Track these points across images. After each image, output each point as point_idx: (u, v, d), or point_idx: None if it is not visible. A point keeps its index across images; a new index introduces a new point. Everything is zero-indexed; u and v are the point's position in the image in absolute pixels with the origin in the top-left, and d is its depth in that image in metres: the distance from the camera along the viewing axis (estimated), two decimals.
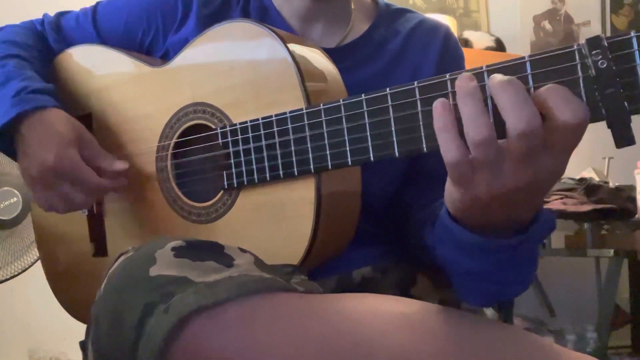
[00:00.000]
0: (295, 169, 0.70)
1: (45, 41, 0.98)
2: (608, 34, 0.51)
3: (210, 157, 0.80)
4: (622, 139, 0.50)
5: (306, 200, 0.71)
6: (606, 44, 0.50)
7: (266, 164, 0.72)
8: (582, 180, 2.36)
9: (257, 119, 0.73)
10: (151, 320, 0.52)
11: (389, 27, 0.91)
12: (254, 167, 0.74)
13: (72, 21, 0.98)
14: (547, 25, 3.14)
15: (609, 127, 0.50)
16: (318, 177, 0.70)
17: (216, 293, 0.52)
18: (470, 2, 3.05)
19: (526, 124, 0.49)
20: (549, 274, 2.59)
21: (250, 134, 0.74)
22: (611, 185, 2.35)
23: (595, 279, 2.71)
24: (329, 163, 0.67)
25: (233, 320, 0.51)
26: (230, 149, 0.76)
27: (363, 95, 0.64)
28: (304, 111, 0.69)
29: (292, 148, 0.70)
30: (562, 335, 2.21)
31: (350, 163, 0.66)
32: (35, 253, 1.66)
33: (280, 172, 0.71)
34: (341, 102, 0.65)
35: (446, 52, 0.90)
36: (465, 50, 1.01)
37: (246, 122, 0.74)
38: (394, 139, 0.61)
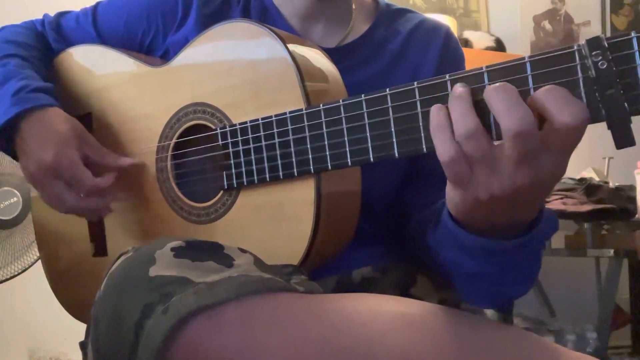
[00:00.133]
0: (295, 170, 0.70)
1: (46, 41, 0.98)
2: (608, 34, 0.51)
3: (210, 157, 0.80)
4: (623, 139, 0.50)
5: (306, 201, 0.71)
6: (606, 45, 0.50)
7: (266, 164, 0.72)
8: (582, 180, 2.36)
9: (257, 119, 0.73)
10: (150, 321, 0.52)
11: (389, 27, 0.91)
12: (254, 167, 0.73)
13: (72, 21, 0.98)
14: (547, 25, 3.14)
15: (609, 128, 0.50)
16: (318, 177, 0.70)
17: (216, 293, 0.52)
18: (470, 2, 3.05)
19: (519, 125, 0.50)
20: (549, 274, 2.59)
21: (250, 135, 0.74)
22: (611, 185, 2.35)
23: (595, 279, 2.71)
24: (329, 164, 0.67)
25: (233, 320, 0.51)
26: (230, 150, 0.76)
27: (363, 95, 0.64)
28: (304, 112, 0.69)
29: (292, 148, 0.70)
30: (562, 335, 2.20)
31: (350, 163, 0.66)
32: (35, 253, 1.67)
33: (280, 173, 0.71)
34: (341, 103, 0.65)
35: (446, 53, 0.90)
36: (465, 50, 1.01)
37: (246, 123, 0.74)
38: (394, 139, 0.61)
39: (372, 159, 0.63)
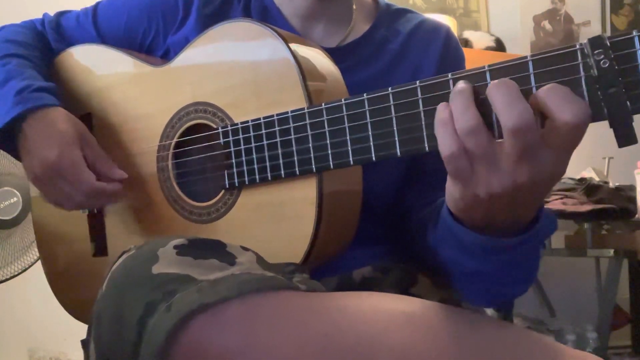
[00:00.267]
0: (296, 169, 0.70)
1: (46, 41, 0.98)
2: (608, 34, 0.51)
3: (211, 156, 0.80)
4: (624, 138, 0.50)
5: (307, 200, 0.71)
6: (608, 44, 0.50)
7: (267, 163, 0.72)
8: (582, 180, 2.36)
9: (259, 119, 0.73)
10: (153, 319, 0.52)
11: (389, 28, 0.91)
12: (255, 166, 0.73)
13: (73, 21, 0.98)
14: (547, 25, 3.14)
15: (611, 126, 0.51)
16: (319, 177, 0.70)
17: (218, 291, 0.52)
18: (470, 2, 3.05)
19: (517, 120, 0.50)
20: (549, 274, 2.59)
21: (251, 133, 0.74)
22: (611, 185, 2.35)
23: (595, 279, 2.71)
24: (331, 163, 0.67)
25: (235, 318, 0.51)
26: (232, 149, 0.76)
27: (365, 94, 0.64)
28: (306, 110, 0.69)
29: (294, 147, 0.70)
30: (562, 335, 2.21)
31: (352, 162, 0.66)
32: (35, 253, 1.66)
33: (282, 172, 0.71)
34: (343, 102, 0.65)
35: (447, 53, 0.90)
36: (465, 50, 1.01)
37: (247, 122, 0.74)
38: (396, 138, 0.61)
39: (374, 158, 0.63)
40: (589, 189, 2.29)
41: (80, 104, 0.93)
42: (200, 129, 0.80)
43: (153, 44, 0.92)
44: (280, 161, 0.71)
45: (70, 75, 0.95)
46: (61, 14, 1.00)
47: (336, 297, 0.57)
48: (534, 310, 2.58)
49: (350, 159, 0.66)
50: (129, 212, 0.89)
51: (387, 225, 0.87)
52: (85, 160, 0.82)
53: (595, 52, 0.50)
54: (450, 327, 0.55)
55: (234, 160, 0.76)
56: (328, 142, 0.67)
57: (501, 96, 0.51)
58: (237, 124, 0.75)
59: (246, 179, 0.75)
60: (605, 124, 0.52)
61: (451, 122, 0.54)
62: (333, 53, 0.80)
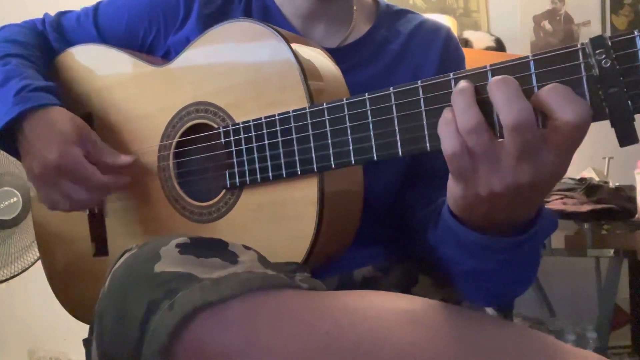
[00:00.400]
0: (298, 168, 0.70)
1: (46, 41, 0.98)
2: (608, 34, 0.51)
3: (212, 156, 0.80)
4: (626, 137, 0.50)
5: (309, 200, 0.71)
6: (610, 44, 0.50)
7: (269, 163, 0.72)
8: (582, 180, 2.36)
9: (260, 118, 0.73)
10: (156, 317, 0.52)
11: (390, 28, 0.92)
12: (257, 166, 0.74)
13: (73, 21, 0.98)
14: (547, 25, 3.14)
15: (612, 126, 0.51)
16: (321, 176, 0.70)
17: (221, 290, 0.52)
18: (470, 2, 3.05)
19: (517, 117, 0.50)
20: (549, 274, 2.59)
21: (253, 133, 0.74)
22: (611, 185, 2.35)
23: (595, 279, 2.71)
24: (332, 162, 0.67)
25: (237, 316, 0.51)
26: (233, 148, 0.76)
27: (366, 94, 0.64)
28: (307, 110, 0.69)
29: (295, 147, 0.70)
30: (562, 335, 2.21)
31: (353, 162, 0.66)
32: (35, 253, 1.66)
33: (283, 172, 0.71)
34: (344, 102, 0.66)
35: (447, 54, 0.91)
36: (465, 50, 1.02)
37: (249, 121, 0.74)
38: (398, 138, 0.61)
39: (375, 158, 0.64)
40: (589, 189, 2.29)
41: (81, 103, 0.93)
42: (201, 129, 0.80)
43: (154, 43, 0.92)
44: (282, 161, 0.71)
45: (71, 75, 0.95)
46: (62, 13, 1.00)
47: (338, 296, 0.57)
48: (534, 310, 2.58)
49: (352, 158, 0.66)
50: (129, 212, 0.89)
51: (388, 225, 0.87)
52: (87, 157, 0.82)
53: (597, 52, 0.50)
54: (453, 325, 0.55)
55: (235, 160, 0.76)
56: (329, 141, 0.67)
57: (501, 93, 0.52)
58: (238, 124, 0.75)
59: (247, 178, 0.75)
60: (605, 124, 0.52)
61: (453, 122, 0.54)
62: (334, 53, 0.80)
